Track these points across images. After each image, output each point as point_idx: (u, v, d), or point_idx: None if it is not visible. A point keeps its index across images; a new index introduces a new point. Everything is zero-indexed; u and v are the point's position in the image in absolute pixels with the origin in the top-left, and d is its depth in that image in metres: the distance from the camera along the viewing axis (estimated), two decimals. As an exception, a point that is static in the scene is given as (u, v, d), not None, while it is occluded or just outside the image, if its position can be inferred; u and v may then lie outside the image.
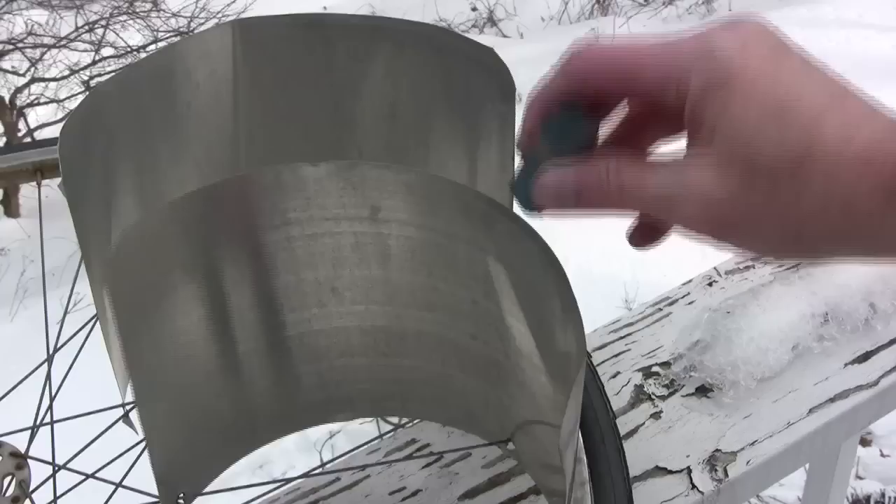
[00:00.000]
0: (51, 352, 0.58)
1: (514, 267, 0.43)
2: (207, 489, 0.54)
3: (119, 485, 0.55)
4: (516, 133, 0.47)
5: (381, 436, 0.62)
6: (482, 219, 0.43)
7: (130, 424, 0.55)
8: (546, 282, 0.40)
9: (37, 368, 0.60)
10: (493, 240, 0.43)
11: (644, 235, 0.43)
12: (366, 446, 0.62)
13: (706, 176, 0.34)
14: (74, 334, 0.59)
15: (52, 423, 0.57)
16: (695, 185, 0.34)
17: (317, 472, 0.59)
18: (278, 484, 0.58)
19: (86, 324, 0.59)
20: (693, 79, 0.34)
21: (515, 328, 0.45)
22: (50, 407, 0.57)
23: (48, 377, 0.57)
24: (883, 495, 1.96)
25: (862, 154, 0.31)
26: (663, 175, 0.35)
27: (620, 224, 0.43)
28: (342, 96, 0.55)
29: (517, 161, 0.43)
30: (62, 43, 5.20)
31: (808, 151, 0.32)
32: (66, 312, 0.65)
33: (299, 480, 0.59)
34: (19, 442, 0.56)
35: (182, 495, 0.51)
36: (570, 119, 0.39)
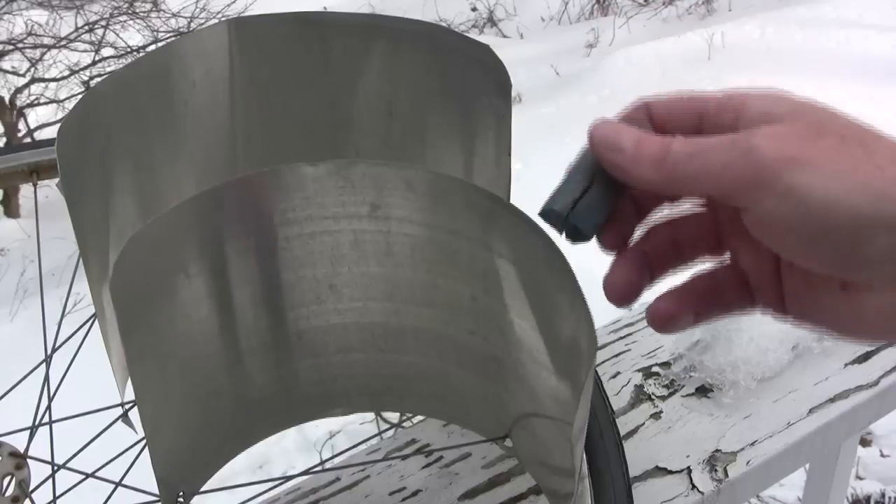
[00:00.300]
0: (49, 352, 0.58)
1: (517, 261, 0.43)
2: (208, 488, 0.54)
3: (119, 484, 0.54)
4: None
5: (380, 433, 0.62)
6: (484, 214, 0.43)
7: (129, 423, 0.55)
8: (551, 275, 0.39)
9: (35, 368, 0.60)
10: (495, 235, 0.43)
11: (632, 284, 0.39)
12: (366, 446, 0.62)
13: (774, 126, 0.33)
14: (73, 334, 0.59)
15: (50, 422, 0.57)
16: (765, 130, 0.33)
17: (316, 469, 0.59)
18: (278, 482, 0.58)
19: (84, 323, 0.59)
20: (753, 96, 0.35)
21: (517, 323, 0.45)
22: (49, 407, 0.57)
23: (46, 377, 0.57)
24: (883, 495, 1.96)
25: None
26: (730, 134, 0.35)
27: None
28: (339, 94, 0.55)
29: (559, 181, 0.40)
30: (62, 43, 5.21)
31: (874, 138, 0.32)
32: (63, 312, 0.65)
33: (299, 480, 0.59)
34: (19, 442, 0.56)
35: (182, 494, 0.51)
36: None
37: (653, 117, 0.38)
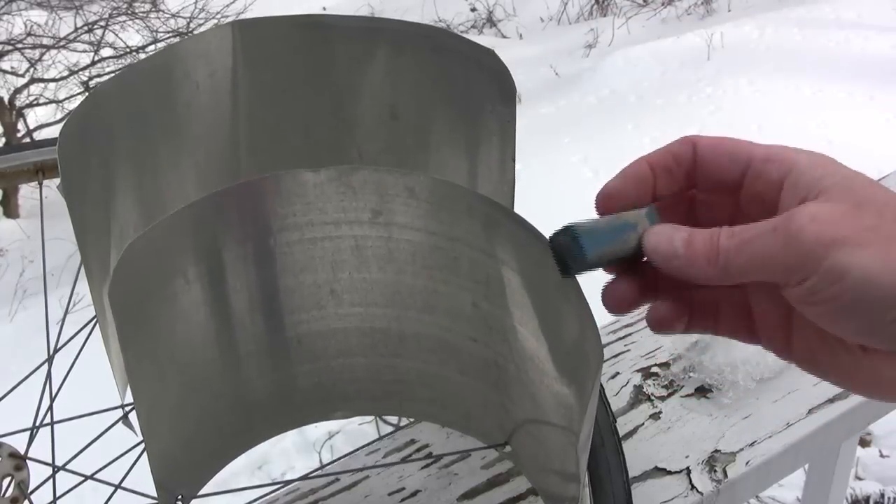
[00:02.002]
0: (51, 352, 0.58)
1: (519, 268, 0.43)
2: (207, 490, 0.54)
3: (118, 486, 0.55)
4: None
5: (380, 438, 0.62)
6: (486, 221, 0.43)
7: (129, 426, 0.55)
8: (554, 283, 0.39)
9: (37, 369, 0.60)
10: (497, 242, 0.43)
11: (629, 301, 0.41)
12: (365, 447, 0.62)
13: (818, 205, 0.35)
14: (74, 335, 0.59)
15: (51, 423, 0.57)
16: (808, 210, 0.35)
17: (316, 473, 0.60)
18: (277, 487, 0.58)
19: (86, 325, 0.59)
20: (804, 158, 0.37)
21: (519, 330, 0.45)
22: (50, 408, 0.57)
23: (48, 378, 0.57)
24: (882, 496, 1.96)
25: None
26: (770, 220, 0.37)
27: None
28: (342, 97, 0.55)
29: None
30: (61, 44, 5.21)
31: None
32: (66, 313, 0.65)
33: (299, 481, 0.59)
34: (19, 443, 0.56)
35: (180, 497, 0.51)
36: None
37: (697, 155, 0.40)
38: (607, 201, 0.40)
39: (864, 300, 0.33)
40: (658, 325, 0.42)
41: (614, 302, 0.40)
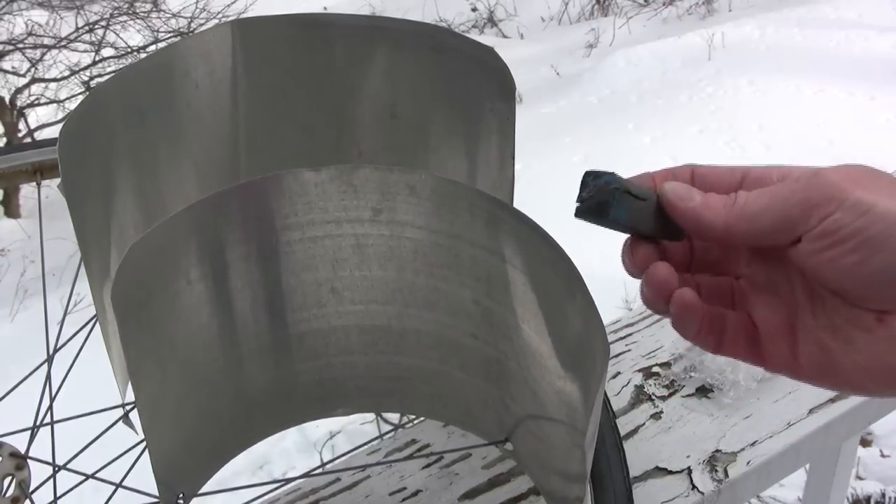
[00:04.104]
0: (51, 352, 0.58)
1: (522, 265, 0.43)
2: (208, 489, 0.54)
3: (119, 485, 0.55)
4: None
5: (381, 436, 0.62)
6: (487, 218, 0.43)
7: (130, 425, 0.55)
8: (558, 279, 0.39)
9: (37, 369, 0.60)
10: (499, 239, 0.43)
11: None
12: (366, 447, 0.62)
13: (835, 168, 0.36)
14: (74, 334, 0.59)
15: (52, 423, 0.57)
16: (827, 167, 0.36)
17: (317, 472, 0.59)
18: (278, 484, 0.58)
19: (86, 324, 0.59)
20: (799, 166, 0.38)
21: (521, 327, 0.45)
22: (50, 407, 0.57)
23: (48, 377, 0.57)
24: (883, 495, 1.96)
25: None
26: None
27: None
28: (342, 96, 0.55)
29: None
30: (62, 43, 5.21)
31: None
32: (66, 313, 0.65)
33: (300, 481, 0.59)
34: (19, 442, 0.56)
35: (182, 495, 0.51)
36: None
37: (695, 177, 0.41)
38: None
39: (891, 233, 0.33)
40: (684, 308, 0.39)
41: (656, 284, 0.39)
